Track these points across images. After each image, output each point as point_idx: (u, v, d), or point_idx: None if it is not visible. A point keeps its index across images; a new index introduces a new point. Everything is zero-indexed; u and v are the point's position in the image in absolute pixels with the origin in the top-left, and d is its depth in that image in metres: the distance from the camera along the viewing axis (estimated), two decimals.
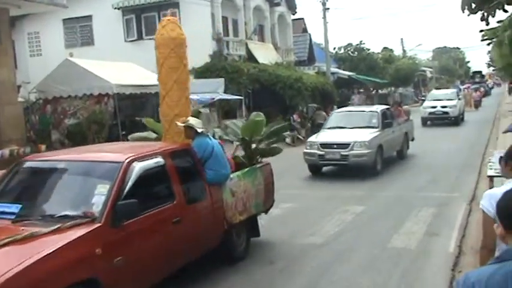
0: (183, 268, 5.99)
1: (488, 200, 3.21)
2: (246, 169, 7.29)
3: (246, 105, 21.84)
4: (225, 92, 20.01)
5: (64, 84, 14.63)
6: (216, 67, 22.58)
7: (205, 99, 17.97)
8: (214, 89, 19.40)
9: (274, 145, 8.29)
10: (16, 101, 14.82)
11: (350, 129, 13.88)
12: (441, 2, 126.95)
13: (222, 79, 20.35)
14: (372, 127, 13.89)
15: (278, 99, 23.69)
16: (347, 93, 37.72)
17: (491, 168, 7.79)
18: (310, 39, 35.07)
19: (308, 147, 13.52)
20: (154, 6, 23.92)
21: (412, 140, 16.80)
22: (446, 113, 26.87)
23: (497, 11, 5.68)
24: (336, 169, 13.95)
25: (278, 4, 29.76)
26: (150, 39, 23.92)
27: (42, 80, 15.33)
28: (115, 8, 24.19)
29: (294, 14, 32.67)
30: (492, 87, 67.73)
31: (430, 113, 27.23)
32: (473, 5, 5.82)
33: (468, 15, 6.03)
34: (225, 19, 25.19)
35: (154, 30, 24.75)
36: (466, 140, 19.44)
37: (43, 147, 13.78)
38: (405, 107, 20.36)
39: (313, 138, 13.94)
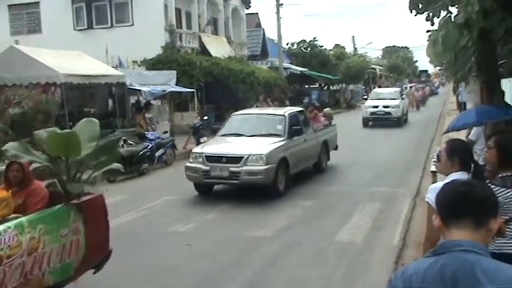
0: None
1: (433, 193, 3.30)
2: (39, 212, 4.72)
3: (198, 98, 21.70)
4: (177, 84, 19.81)
5: (8, 72, 14.09)
6: (168, 59, 22.32)
7: (156, 91, 17.74)
8: (165, 81, 19.18)
9: (105, 168, 5.57)
10: None
11: (248, 137, 11.16)
12: (391, 2, 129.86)
13: (174, 71, 20.14)
14: (276, 135, 11.16)
15: (230, 93, 23.67)
16: (299, 88, 38.07)
17: (434, 164, 8.07)
18: (264, 34, 35.21)
19: (191, 161, 10.65)
20: None
21: (335, 149, 14.32)
22: (389, 113, 25.43)
23: (442, 12, 5.87)
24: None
25: None
26: (100, 28, 23.50)
27: None
28: None
29: (248, 9, 32.71)
30: (438, 87, 69.88)
31: (372, 113, 25.70)
32: (420, 6, 5.98)
33: (415, 15, 6.19)
34: (178, 11, 24.92)
35: (105, 19, 24.44)
36: (410, 141, 19.90)
37: None
38: (326, 109, 17.48)
39: (198, 149, 11.13)
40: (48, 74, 13.93)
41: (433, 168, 8.06)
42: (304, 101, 30.30)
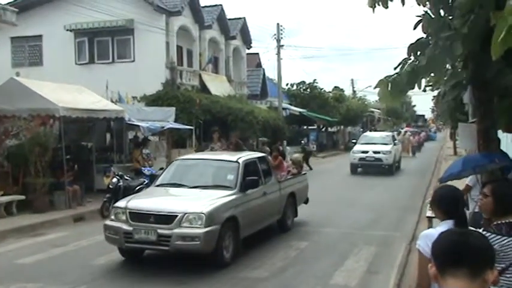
0: None
1: (424, 240, 3.32)
2: None
3: (196, 136, 21.74)
4: (176, 121, 19.88)
5: (8, 104, 14.10)
6: (168, 95, 22.49)
7: (154, 127, 17.77)
8: (164, 118, 19.24)
9: None
10: None
11: (190, 189, 9.12)
12: (391, 47, 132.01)
13: (173, 108, 20.24)
14: (225, 187, 9.05)
15: (229, 132, 23.73)
16: (297, 129, 38.24)
17: (430, 210, 8.01)
18: (264, 74, 35.64)
19: (112, 218, 8.44)
20: (108, 31, 23.73)
21: (306, 202, 12.44)
22: (379, 159, 23.42)
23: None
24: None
25: (234, 38, 30.17)
26: (102, 63, 23.77)
27: None
28: (67, 30, 23.84)
29: (248, 48, 33.18)
30: (435, 132, 70.27)
31: (360, 159, 23.72)
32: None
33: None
34: (179, 48, 25.26)
35: (107, 54, 24.69)
36: (405, 186, 19.86)
37: None
38: (295, 155, 15.27)
39: (122, 203, 8.63)
40: (48, 107, 13.94)
41: (428, 213, 8.02)
42: (302, 141, 30.38)
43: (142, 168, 15.18)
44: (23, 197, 13.30)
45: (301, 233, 11.03)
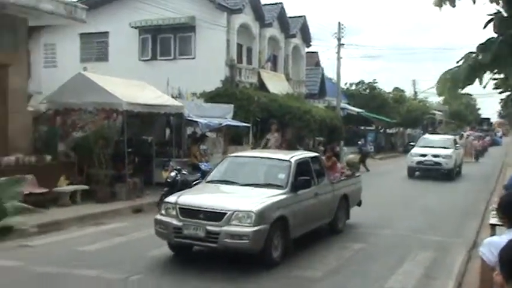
0: None
1: (488, 248, 3.22)
2: None
3: (253, 133, 21.87)
4: (234, 118, 20.08)
5: (75, 97, 14.71)
6: (226, 93, 22.74)
7: (213, 123, 18.03)
8: (222, 115, 19.48)
9: None
10: (26, 110, 14.93)
11: (241, 187, 9.03)
12: (457, 47, 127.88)
13: (232, 105, 20.45)
14: (276, 186, 8.92)
15: (284, 131, 23.72)
16: (355, 129, 37.75)
17: (494, 217, 7.73)
18: (323, 73, 35.38)
19: (163, 212, 8.58)
20: (171, 28, 24.24)
21: (359, 204, 12.24)
22: (438, 163, 22.46)
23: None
24: None
25: (293, 36, 30.10)
26: (164, 59, 24.32)
27: (54, 92, 15.44)
28: (132, 27, 24.54)
29: (308, 47, 33.02)
30: (501, 137, 67.52)
31: (418, 162, 22.92)
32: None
33: None
34: (239, 46, 25.47)
35: (169, 51, 25.20)
36: (467, 191, 19.22)
37: (48, 157, 13.82)
38: (350, 156, 14.50)
39: (172, 198, 8.71)
40: (112, 101, 14.42)
41: (492, 220, 7.73)
42: (359, 142, 29.98)
43: (200, 163, 15.45)
44: (86, 187, 13.85)
45: (354, 234, 10.90)
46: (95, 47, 25.99)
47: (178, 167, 14.28)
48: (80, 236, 10.46)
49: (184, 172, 14.12)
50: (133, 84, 16.49)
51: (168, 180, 13.60)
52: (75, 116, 15.34)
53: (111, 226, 11.56)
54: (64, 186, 13.44)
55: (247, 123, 20.71)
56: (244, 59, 26.22)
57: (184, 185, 13.12)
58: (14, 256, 8.45)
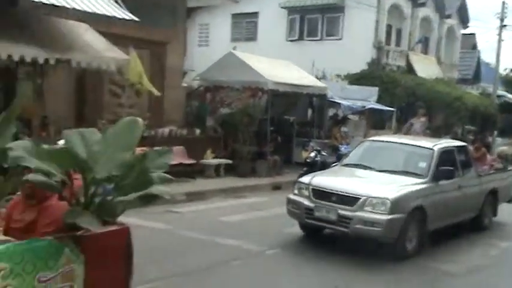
0: None
1: None
2: (9, 245, 3.34)
3: (396, 118, 21.22)
4: (378, 101, 19.64)
5: (224, 75, 15.44)
6: (372, 75, 22.23)
7: (355, 106, 17.83)
8: (366, 97, 19.16)
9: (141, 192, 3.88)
10: (180, 86, 16.06)
11: (377, 172, 8.68)
12: None
13: (376, 88, 20.00)
14: (416, 175, 8.49)
15: (431, 116, 22.65)
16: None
17: None
18: (479, 57, 32.94)
19: (296, 192, 8.56)
20: (319, 8, 24.21)
21: (510, 201, 11.30)
22: None
23: None
24: None
25: (449, 16, 28.32)
26: (310, 40, 24.42)
27: (206, 70, 16.35)
28: (282, 7, 24.93)
29: (465, 28, 30.88)
30: None
31: None
32: None
33: None
34: (389, 27, 24.65)
35: (316, 32, 25.19)
36: None
37: (197, 131, 14.77)
38: (502, 148, 13.47)
39: (306, 179, 8.71)
40: (258, 80, 14.90)
41: None
42: None
43: (340, 145, 15.43)
44: (230, 162, 14.59)
45: (502, 232, 10.18)
46: (245, 27, 26.86)
47: (318, 148, 14.40)
48: (222, 207, 11.09)
49: (324, 153, 14.21)
50: (280, 64, 16.85)
51: (308, 160, 13.78)
52: (224, 93, 16.17)
53: (251, 200, 12.08)
54: (210, 159, 14.29)
55: (392, 107, 20.14)
56: (393, 40, 25.32)
57: (323, 166, 13.21)
58: (163, 220, 9.23)
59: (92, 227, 3.34)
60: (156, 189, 3.88)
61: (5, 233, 3.75)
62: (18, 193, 4.08)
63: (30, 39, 9.70)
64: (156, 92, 12.23)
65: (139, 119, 4.03)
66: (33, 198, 3.88)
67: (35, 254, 3.27)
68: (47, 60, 9.88)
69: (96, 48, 10.82)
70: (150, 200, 3.90)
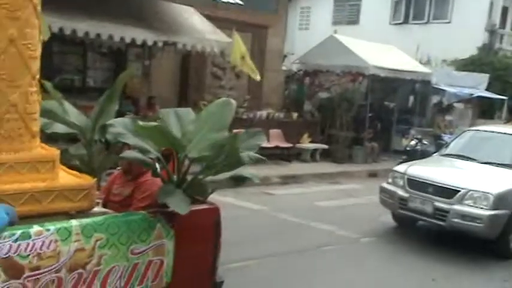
0: None
1: None
2: (107, 217, 3.47)
3: (508, 108, 19.83)
4: (487, 89, 18.48)
5: (324, 59, 15.28)
6: (482, 61, 20.91)
7: (462, 93, 16.92)
8: (474, 85, 18.09)
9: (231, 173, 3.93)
10: (280, 69, 16.16)
11: (480, 164, 8.13)
12: None
13: (487, 75, 18.81)
14: None
15: None
16: None
17: None
18: None
19: (389, 181, 8.33)
20: None
21: None
22: None
23: None
24: None
25: None
26: (415, 23, 23.43)
27: (306, 53, 16.26)
28: None
29: None
30: None
31: None
32: None
33: None
34: (504, 9, 22.98)
35: (422, 14, 24.12)
36: None
37: (295, 115, 14.77)
38: None
39: (401, 167, 8.44)
40: (359, 65, 14.60)
41: None
42: None
43: (443, 134, 14.77)
44: (326, 147, 14.49)
45: None
46: (347, 10, 26.32)
47: (419, 136, 13.92)
48: (316, 192, 11.09)
49: (425, 142, 13.71)
50: (382, 48, 16.38)
51: (407, 148, 13.39)
52: (323, 77, 16.02)
53: (346, 186, 11.95)
54: (306, 144, 14.28)
55: (504, 95, 18.86)
56: (508, 23, 23.61)
57: (423, 156, 12.75)
58: (259, 201, 9.42)
59: (180, 209, 3.39)
60: (246, 171, 3.95)
61: (104, 206, 3.96)
62: (119, 168, 4.31)
63: (140, 22, 10.21)
64: (256, 77, 12.28)
65: (233, 101, 4.04)
66: (130, 173, 4.08)
67: (129, 227, 3.41)
68: (155, 43, 10.35)
69: (201, 31, 11.15)
70: (240, 181, 3.97)
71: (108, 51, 12.06)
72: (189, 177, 3.82)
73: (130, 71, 4.46)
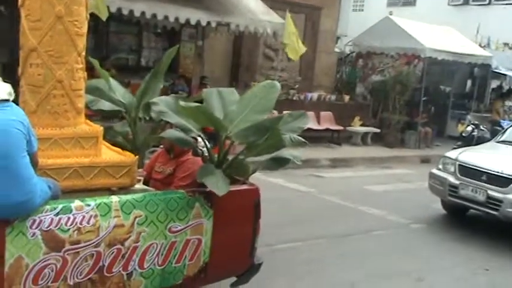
0: None
1: None
2: (146, 194, 3.47)
3: None
4: None
5: (379, 41, 14.91)
6: None
7: None
8: None
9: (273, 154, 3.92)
10: (332, 51, 15.89)
11: None
12: None
13: None
14: None
15: None
16: None
17: None
18: None
19: (440, 167, 7.99)
20: None
21: None
22: None
23: None
24: None
25: None
26: (476, 5, 22.43)
27: (359, 35, 15.90)
28: None
29: None
30: None
31: None
32: None
33: None
34: None
35: None
36: None
37: (347, 98, 14.53)
38: None
39: (453, 153, 8.06)
40: (415, 47, 14.17)
41: None
42: None
43: (501, 120, 14.14)
44: (378, 130, 14.20)
45: None
46: None
47: (476, 122, 13.40)
48: (366, 176, 10.91)
49: (483, 128, 13.17)
50: (439, 30, 15.80)
51: (463, 134, 12.93)
52: (376, 60, 15.65)
53: (398, 171, 11.70)
54: (357, 127, 14.04)
55: None
56: None
57: (480, 142, 12.29)
58: (307, 183, 9.34)
59: (218, 190, 3.36)
60: (288, 153, 3.90)
61: (146, 183, 4.01)
62: (162, 146, 4.33)
63: (195, 2, 10.22)
64: (295, 57, 11.91)
65: (277, 83, 3.98)
66: (172, 152, 4.11)
67: (168, 205, 3.41)
68: (208, 23, 10.34)
69: (254, 12, 11.07)
70: (282, 163, 3.92)
71: (162, 31, 12.22)
72: (230, 157, 3.80)
73: (174, 49, 4.43)
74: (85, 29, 3.48)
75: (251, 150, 3.75)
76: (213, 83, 11.36)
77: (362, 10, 25.53)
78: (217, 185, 3.40)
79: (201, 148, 3.87)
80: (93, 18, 8.27)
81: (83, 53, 3.48)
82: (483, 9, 21.86)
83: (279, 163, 3.89)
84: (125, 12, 9.08)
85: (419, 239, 7.11)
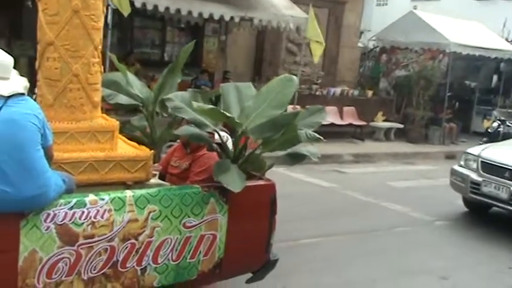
0: None
1: None
2: (161, 189, 3.44)
3: None
4: None
5: (403, 36, 14.72)
6: None
7: None
8: None
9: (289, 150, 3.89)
10: (355, 46, 15.73)
11: None
12: None
13: None
14: None
15: None
16: None
17: None
18: None
19: (461, 163, 7.83)
20: None
21: None
22: None
23: None
24: None
25: None
26: None
27: (383, 30, 15.70)
28: None
29: None
30: None
31: None
32: None
33: None
34: None
35: None
36: None
37: (370, 93, 14.37)
38: None
39: (475, 150, 7.87)
40: (440, 41, 13.93)
41: None
42: None
43: None
44: (401, 126, 14.02)
45: None
46: None
47: (503, 118, 13.16)
48: (390, 171, 10.78)
49: (509, 124, 12.92)
50: (464, 25, 15.51)
51: (489, 130, 12.72)
52: (400, 55, 15.45)
53: (421, 167, 11.54)
54: (380, 122, 13.88)
55: None
56: None
57: (506, 138, 12.05)
58: (329, 179, 9.27)
59: (233, 187, 3.32)
60: (305, 149, 3.85)
61: (163, 177, 4.00)
62: (179, 140, 4.31)
63: None
64: (315, 58, 11.76)
65: (295, 77, 3.90)
66: (188, 146, 4.10)
67: (183, 200, 3.37)
68: (232, 18, 10.32)
69: (277, 7, 11.01)
70: (299, 158, 3.88)
71: (185, 26, 12.25)
72: (246, 153, 3.77)
73: (191, 45, 4.39)
74: (102, 23, 3.48)
75: (267, 145, 3.70)
76: (236, 77, 11.36)
77: (386, 4, 25.19)
78: (233, 181, 3.36)
79: (217, 143, 3.83)
80: (118, 13, 8.39)
81: (100, 47, 3.48)
82: (510, 3, 21.38)
83: (296, 159, 3.83)
84: (149, 7, 9.12)
85: (442, 237, 6.99)
